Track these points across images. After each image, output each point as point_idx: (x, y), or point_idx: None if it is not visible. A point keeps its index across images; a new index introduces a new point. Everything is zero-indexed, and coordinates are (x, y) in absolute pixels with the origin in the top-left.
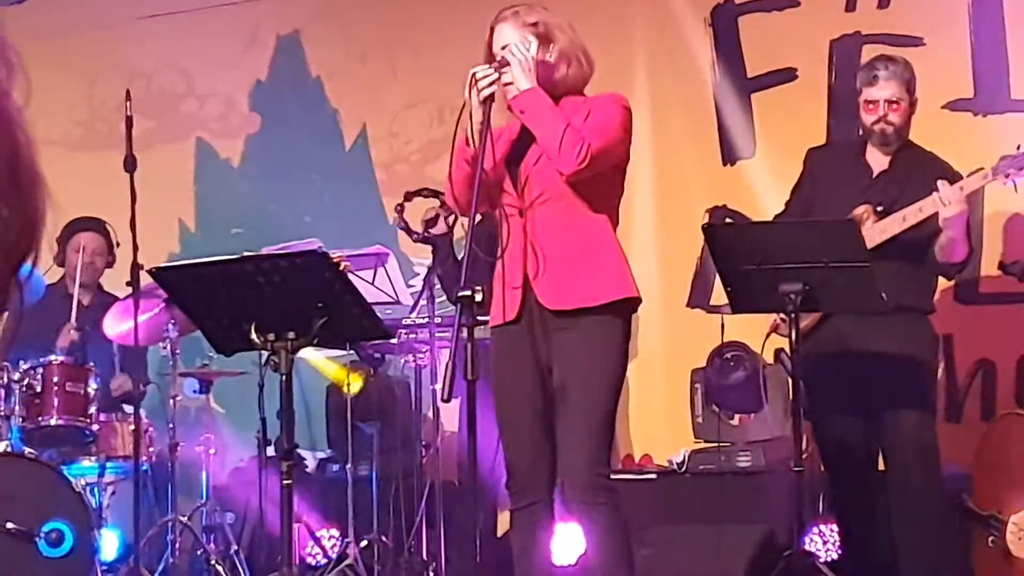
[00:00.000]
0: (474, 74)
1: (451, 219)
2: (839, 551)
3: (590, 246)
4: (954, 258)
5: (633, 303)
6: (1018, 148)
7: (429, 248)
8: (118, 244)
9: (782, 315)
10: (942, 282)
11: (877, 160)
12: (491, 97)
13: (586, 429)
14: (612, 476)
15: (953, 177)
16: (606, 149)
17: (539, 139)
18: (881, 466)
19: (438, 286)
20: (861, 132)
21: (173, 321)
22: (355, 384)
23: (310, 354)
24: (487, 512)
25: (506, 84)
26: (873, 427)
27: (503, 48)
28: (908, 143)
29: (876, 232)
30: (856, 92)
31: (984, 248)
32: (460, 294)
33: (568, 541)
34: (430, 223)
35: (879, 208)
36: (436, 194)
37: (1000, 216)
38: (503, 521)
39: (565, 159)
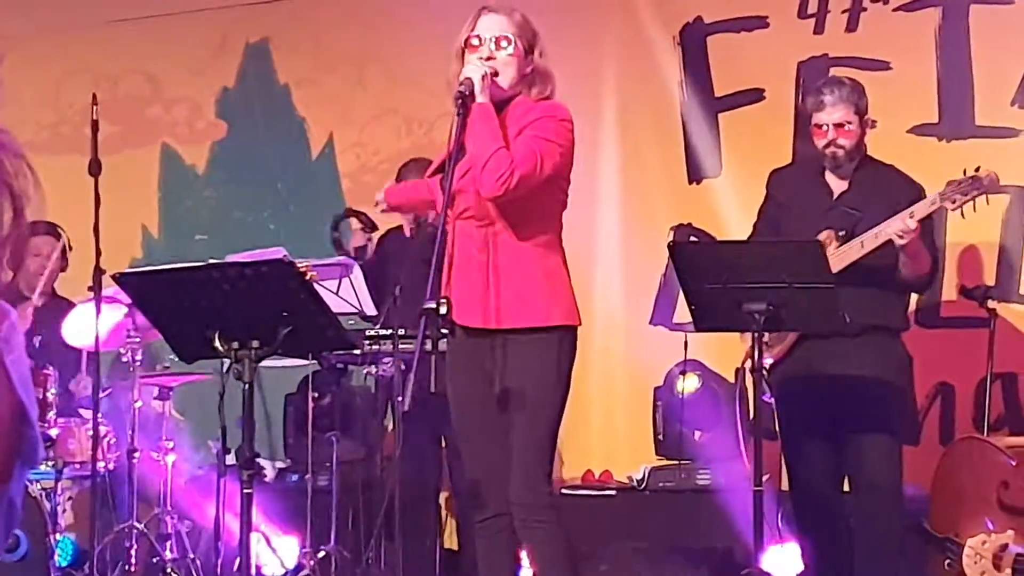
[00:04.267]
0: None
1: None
2: (798, 571)
3: (507, 268)
4: (919, 271)
5: (554, 330)
6: (964, 173)
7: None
8: (71, 248)
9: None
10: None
11: (836, 180)
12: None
13: (525, 448)
14: (571, 492)
15: (913, 190)
16: (532, 174)
17: (470, 154)
18: (846, 487)
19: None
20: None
21: (135, 327)
22: None
23: None
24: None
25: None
26: (840, 449)
27: (479, 42)
28: (865, 159)
29: (836, 259)
30: (807, 115)
31: (945, 273)
32: (425, 306)
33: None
34: (360, 251)
35: (842, 233)
36: (357, 214)
37: (961, 242)
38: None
39: (486, 182)
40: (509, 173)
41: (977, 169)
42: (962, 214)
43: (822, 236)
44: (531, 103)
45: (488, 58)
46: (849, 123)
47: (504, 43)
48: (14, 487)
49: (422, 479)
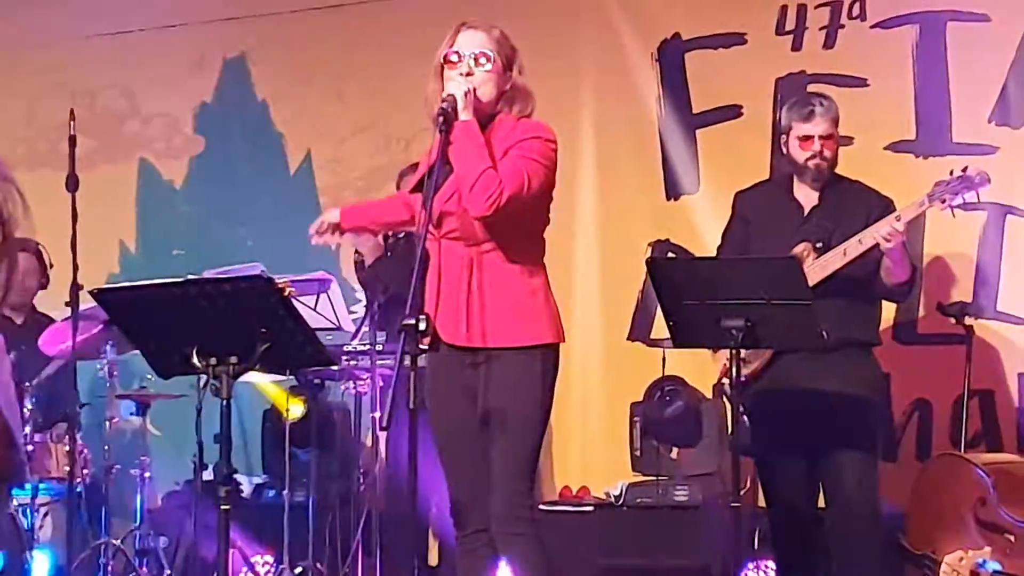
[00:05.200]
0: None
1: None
2: None
3: (493, 288)
4: (902, 277)
5: (538, 348)
6: (951, 173)
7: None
8: (51, 266)
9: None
10: (882, 321)
11: (806, 196)
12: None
13: (508, 465)
14: (548, 508)
15: (883, 203)
16: (520, 194)
17: (456, 173)
18: (822, 504)
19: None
20: (790, 167)
21: (111, 341)
22: (296, 409)
23: (255, 376)
24: (421, 541)
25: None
26: (816, 465)
27: (458, 58)
28: (834, 176)
29: (818, 269)
30: (785, 128)
31: (923, 289)
32: (404, 322)
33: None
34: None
35: (819, 245)
36: None
37: (937, 259)
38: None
39: (475, 202)
40: (498, 193)
41: (964, 169)
42: (952, 213)
43: (798, 249)
44: (514, 122)
45: (467, 74)
46: (833, 136)
47: (483, 60)
48: (1, 509)
49: (400, 495)
